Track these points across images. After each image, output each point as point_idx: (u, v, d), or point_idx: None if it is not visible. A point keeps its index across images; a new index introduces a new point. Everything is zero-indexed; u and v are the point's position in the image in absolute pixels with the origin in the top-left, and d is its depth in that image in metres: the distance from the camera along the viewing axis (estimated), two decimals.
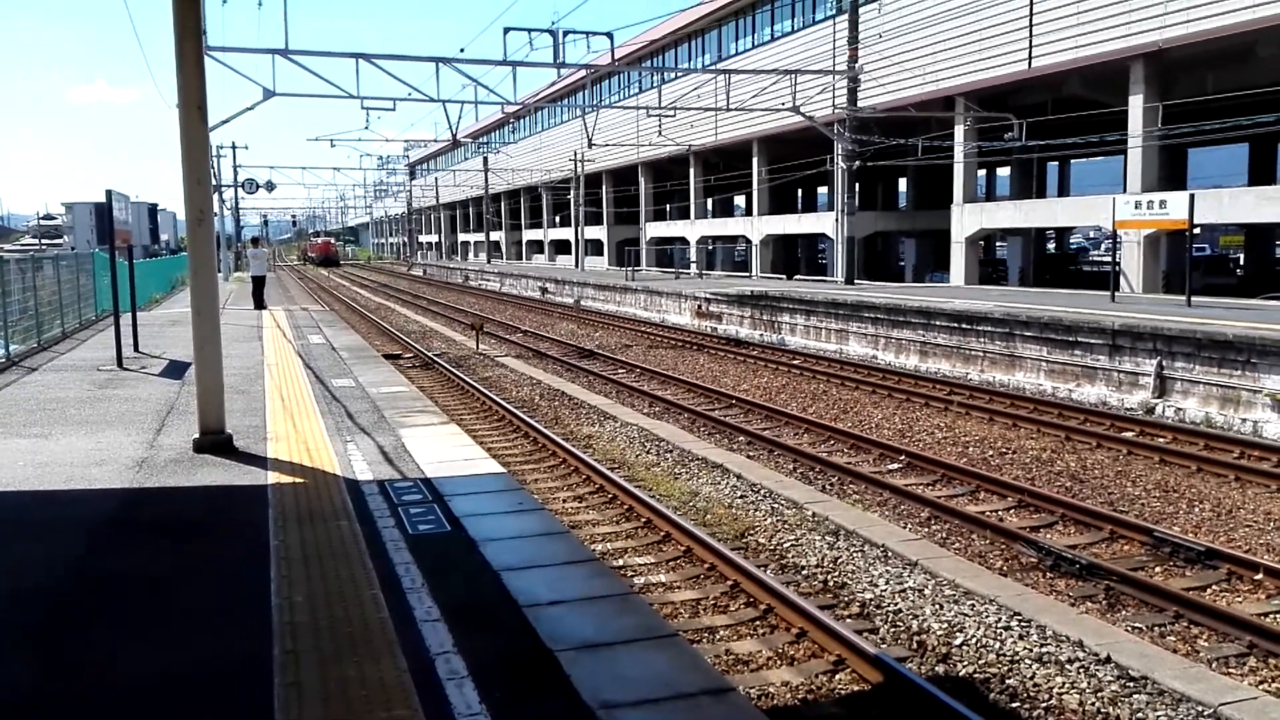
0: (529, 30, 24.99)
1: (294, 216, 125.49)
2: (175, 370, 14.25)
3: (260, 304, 27.41)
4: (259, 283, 28.54)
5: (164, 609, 5.11)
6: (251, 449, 8.79)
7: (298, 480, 7.68)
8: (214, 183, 42.13)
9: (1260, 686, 6.36)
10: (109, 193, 14.60)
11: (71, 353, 16.63)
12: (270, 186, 58.47)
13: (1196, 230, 23.39)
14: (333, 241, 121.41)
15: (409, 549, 5.96)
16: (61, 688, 4.24)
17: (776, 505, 10.29)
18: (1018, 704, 6.15)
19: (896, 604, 7.67)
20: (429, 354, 22.79)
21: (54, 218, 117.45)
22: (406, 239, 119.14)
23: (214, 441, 8.75)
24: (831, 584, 8.18)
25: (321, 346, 17.84)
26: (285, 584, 5.35)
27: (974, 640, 6.97)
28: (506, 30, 24.50)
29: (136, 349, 16.15)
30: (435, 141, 66.07)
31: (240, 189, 59.39)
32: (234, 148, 58.53)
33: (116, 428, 9.87)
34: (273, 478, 7.73)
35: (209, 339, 8.97)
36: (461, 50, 49.99)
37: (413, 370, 20.27)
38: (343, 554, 5.87)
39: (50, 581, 5.52)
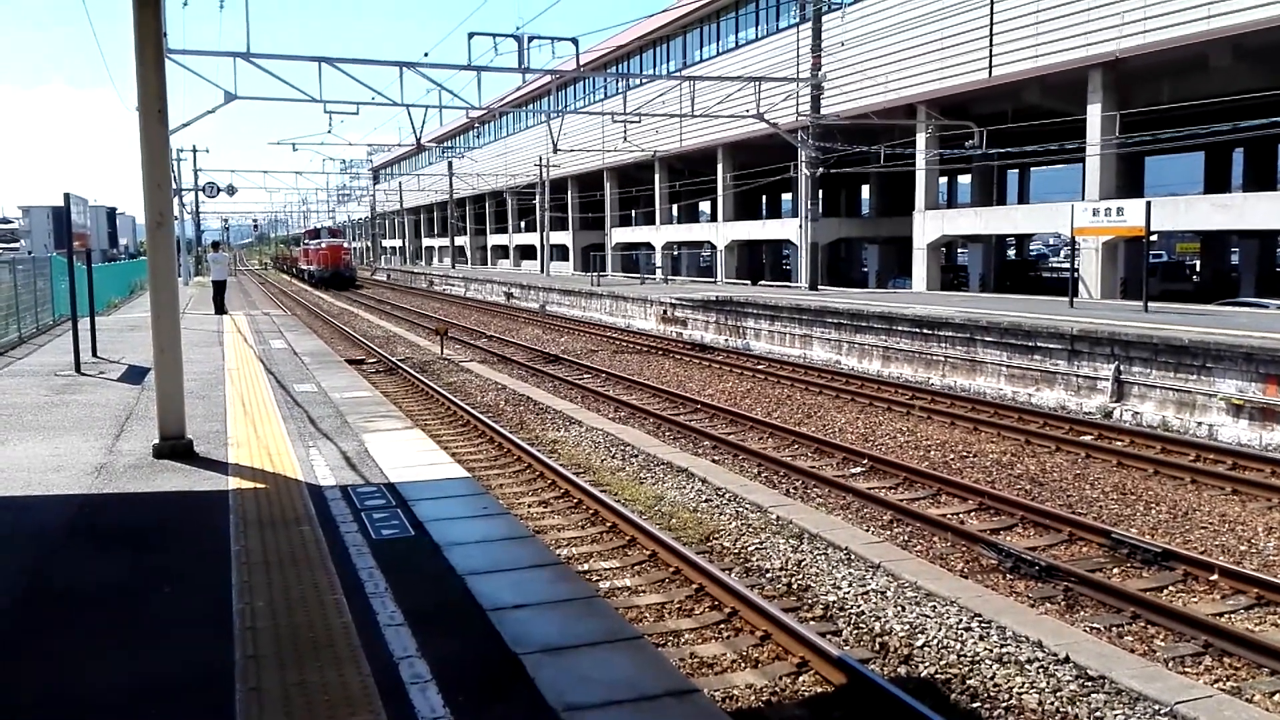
0: (494, 35, 24.91)
1: (255, 220, 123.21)
2: (134, 375, 14.08)
3: (221, 309, 27.16)
4: (220, 287, 28.33)
5: (123, 616, 5.05)
6: (212, 454, 8.71)
7: (259, 485, 7.61)
8: (174, 186, 41.65)
9: (1215, 685, 6.46)
10: (67, 196, 14.50)
11: (28, 358, 16.37)
12: (231, 190, 57.90)
13: (1153, 237, 23.75)
14: (346, 246, 71.28)
15: (372, 554, 5.93)
16: (13, 702, 4.18)
17: (741, 509, 10.33)
18: (978, 704, 6.21)
19: (859, 606, 7.73)
20: (393, 359, 22.65)
21: (10, 221, 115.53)
22: (370, 243, 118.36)
23: (174, 447, 8.66)
24: (795, 587, 8.23)
25: (283, 351, 17.69)
26: (247, 589, 5.31)
27: (935, 641, 7.03)
28: (471, 35, 24.37)
29: (95, 354, 15.93)
30: (399, 146, 65.75)
31: (201, 192, 58.82)
32: (194, 151, 58.08)
33: (74, 433, 9.73)
34: (234, 483, 7.66)
35: (169, 344, 8.88)
36: (425, 55, 49.90)
37: (376, 375, 20.14)
38: (305, 559, 5.83)
39: (5, 590, 5.44)
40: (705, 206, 61.01)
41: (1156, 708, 5.99)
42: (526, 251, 70.79)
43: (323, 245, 64.55)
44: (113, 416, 10.69)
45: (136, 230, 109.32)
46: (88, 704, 4.11)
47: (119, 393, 12.54)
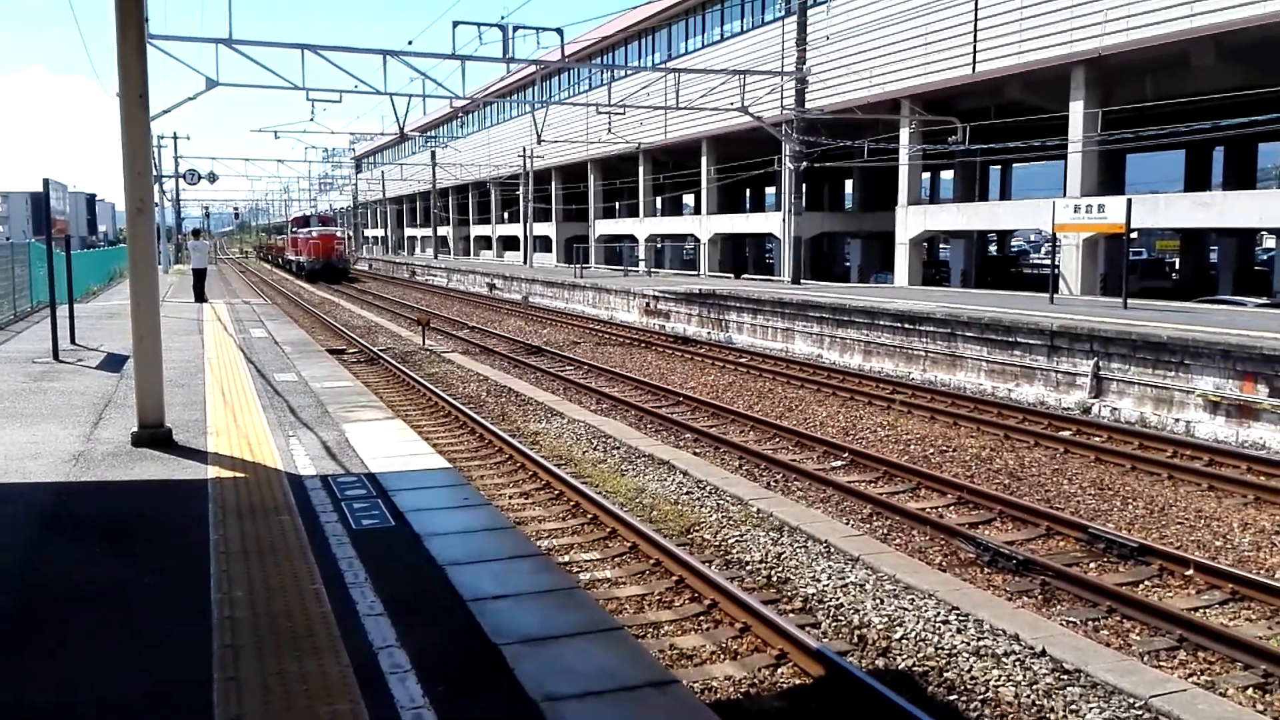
0: (478, 25, 24.82)
1: (236, 208, 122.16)
2: (113, 363, 13.98)
3: (201, 297, 26.99)
4: (200, 275, 28.12)
5: (100, 605, 5.01)
6: (191, 443, 8.66)
7: (239, 475, 7.58)
8: (155, 173, 41.40)
9: (1190, 679, 6.52)
10: (46, 182, 14.28)
11: (5, 344, 16.23)
12: (212, 178, 57.45)
13: (1134, 234, 23.93)
14: (339, 235, 61.60)
15: (352, 544, 5.91)
16: None
17: (722, 502, 10.35)
18: (955, 696, 6.26)
19: (838, 599, 7.76)
20: (374, 349, 22.58)
21: None
22: (351, 233, 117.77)
23: (153, 435, 8.60)
24: (775, 579, 8.26)
25: (264, 341, 17.59)
26: (225, 579, 5.28)
27: (913, 634, 7.07)
28: (455, 24, 24.25)
29: (73, 341, 15.81)
30: (382, 135, 65.45)
31: (181, 180, 58.42)
32: (175, 138, 57.94)
33: (52, 421, 9.66)
34: (213, 472, 7.62)
35: (148, 331, 8.81)
36: (409, 43, 49.51)
37: (357, 365, 20.08)
38: (284, 549, 5.80)
39: None
40: (689, 199, 61.00)
41: (1132, 701, 6.04)
42: (509, 243, 70.62)
43: (313, 234, 57.70)
44: (91, 404, 10.62)
45: (116, 217, 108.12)
46: (65, 697, 4.08)
47: (97, 380, 12.45)
